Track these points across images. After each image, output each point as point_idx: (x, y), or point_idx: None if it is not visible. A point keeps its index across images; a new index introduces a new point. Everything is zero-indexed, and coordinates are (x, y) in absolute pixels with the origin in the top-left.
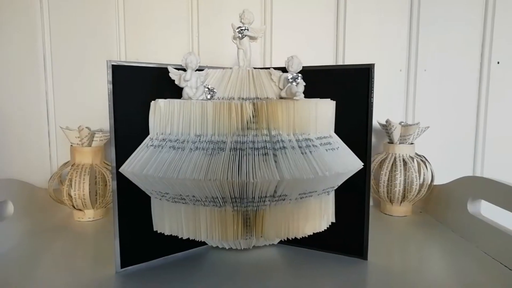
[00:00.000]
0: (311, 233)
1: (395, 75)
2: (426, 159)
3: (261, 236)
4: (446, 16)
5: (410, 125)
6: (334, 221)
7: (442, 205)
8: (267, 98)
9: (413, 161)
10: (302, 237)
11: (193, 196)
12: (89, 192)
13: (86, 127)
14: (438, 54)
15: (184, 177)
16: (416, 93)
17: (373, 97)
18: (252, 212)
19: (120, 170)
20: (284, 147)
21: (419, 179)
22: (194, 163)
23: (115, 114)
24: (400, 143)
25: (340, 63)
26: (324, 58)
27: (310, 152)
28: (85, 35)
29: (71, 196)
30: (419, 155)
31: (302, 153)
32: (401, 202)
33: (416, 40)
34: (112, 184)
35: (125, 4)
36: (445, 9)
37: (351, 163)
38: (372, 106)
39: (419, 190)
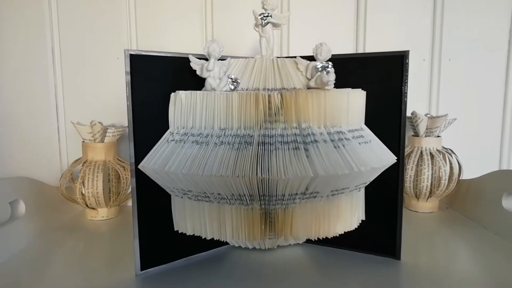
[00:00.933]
0: (342, 232)
1: (418, 65)
2: (454, 153)
3: (290, 236)
4: (471, 4)
5: (437, 117)
6: (364, 218)
7: (472, 201)
8: (295, 88)
9: (440, 154)
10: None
11: (218, 194)
12: (103, 190)
13: (99, 122)
14: (463, 43)
15: (210, 174)
16: (440, 84)
17: (407, 87)
18: (281, 210)
19: (140, 166)
20: (315, 141)
21: (448, 173)
22: (220, 159)
23: (133, 107)
24: (426, 136)
25: (360, 48)
26: (343, 48)
27: (343, 145)
28: (95, 27)
29: (84, 195)
30: (446, 149)
31: (335, 147)
32: (427, 198)
33: (440, 29)
34: (131, 182)
35: None
36: None
37: (386, 157)
38: (406, 97)
39: (448, 185)
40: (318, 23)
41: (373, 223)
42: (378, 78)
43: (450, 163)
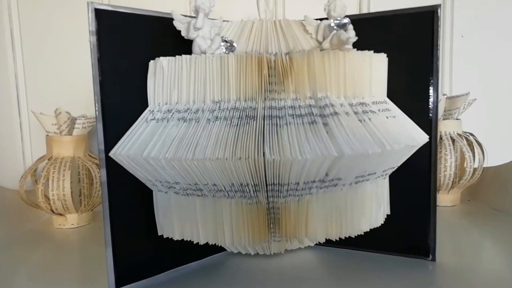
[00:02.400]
0: (368, 230)
1: None
2: (475, 137)
3: (305, 236)
4: None
5: (457, 96)
6: (389, 212)
7: (499, 191)
8: (305, 51)
9: (463, 139)
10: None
11: (214, 185)
12: (71, 192)
13: (66, 112)
14: (477, 16)
15: (203, 157)
16: (452, 62)
17: (439, 50)
18: (294, 203)
19: (111, 154)
20: (335, 113)
21: (473, 160)
22: (215, 138)
23: (102, 78)
24: (444, 119)
25: (364, 10)
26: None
27: (369, 119)
28: (58, 3)
29: (48, 198)
30: (466, 133)
31: (360, 121)
32: (449, 190)
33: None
34: (101, 175)
35: None
36: None
37: (418, 135)
38: (437, 61)
39: (473, 174)
40: None
41: (400, 218)
42: (401, 43)
43: (475, 149)
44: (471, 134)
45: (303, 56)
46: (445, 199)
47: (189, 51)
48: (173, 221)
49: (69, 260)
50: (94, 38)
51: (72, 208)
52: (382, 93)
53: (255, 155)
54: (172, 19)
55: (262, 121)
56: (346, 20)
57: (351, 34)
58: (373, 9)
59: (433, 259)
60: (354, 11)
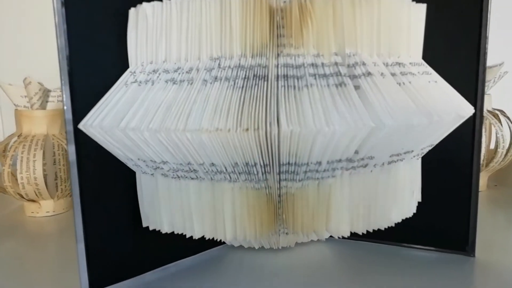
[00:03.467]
0: (400, 220)
1: None
2: (506, 114)
3: (325, 229)
4: None
5: (490, 67)
6: (420, 199)
7: None
8: None
9: (492, 117)
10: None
11: (212, 165)
12: (45, 175)
13: (38, 83)
14: None
15: (199, 127)
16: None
17: (489, 2)
18: (313, 188)
19: (80, 126)
20: (369, 73)
21: (506, 139)
22: (214, 103)
23: (69, 28)
24: None
25: None
26: None
27: (410, 82)
28: None
29: (18, 182)
30: (496, 110)
31: (399, 84)
32: None
33: None
34: (68, 152)
35: None
36: None
37: (465, 104)
38: (487, 21)
39: (505, 156)
40: None
41: (435, 206)
42: None
43: (507, 127)
44: (502, 112)
45: (326, 1)
46: None
47: None
48: (161, 211)
49: (41, 254)
50: None
51: (46, 193)
52: (419, 54)
53: (267, 125)
54: None
55: (276, 82)
56: None
57: None
58: None
59: (472, 254)
60: None
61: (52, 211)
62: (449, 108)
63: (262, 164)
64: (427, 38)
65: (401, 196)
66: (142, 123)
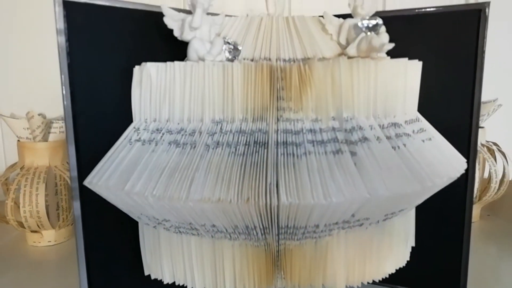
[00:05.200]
0: (394, 271)
1: None
2: (499, 147)
3: (321, 284)
4: None
5: (485, 102)
6: (414, 244)
7: None
8: (324, 59)
9: (486, 150)
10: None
11: (213, 226)
12: (47, 205)
13: (40, 114)
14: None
15: (200, 197)
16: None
17: (484, 56)
18: (311, 246)
19: (86, 183)
20: (365, 139)
21: (498, 173)
22: (215, 171)
23: (73, 89)
24: None
25: (379, 9)
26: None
27: (404, 145)
28: None
29: (20, 214)
30: (489, 142)
31: (394, 148)
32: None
33: None
34: (74, 207)
35: None
36: None
37: (458, 162)
38: (481, 70)
39: (498, 188)
40: None
41: (427, 250)
42: (436, 46)
43: (500, 160)
44: (495, 144)
45: (326, 65)
46: None
47: (183, 54)
48: (163, 261)
49: (43, 284)
50: (62, 39)
51: (48, 225)
52: (414, 108)
53: (267, 197)
54: (162, 14)
55: (275, 149)
56: (378, 21)
57: (384, 39)
58: (388, 6)
59: None
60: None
61: (54, 240)
62: (442, 170)
63: (261, 227)
64: (423, 84)
65: (395, 248)
66: (146, 189)
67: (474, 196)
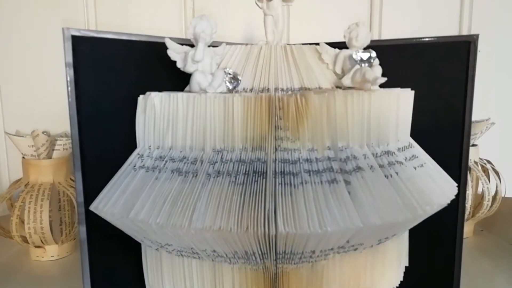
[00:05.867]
0: None
1: None
2: (493, 165)
3: None
4: None
5: (478, 122)
6: (407, 264)
7: None
8: (320, 88)
9: (479, 167)
10: None
11: (213, 251)
12: (51, 221)
13: (44, 132)
14: (497, 29)
15: (202, 226)
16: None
17: (473, 86)
18: (307, 269)
19: (92, 208)
20: (359, 168)
21: (491, 190)
22: (216, 201)
23: (81, 119)
24: None
25: (375, 37)
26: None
27: (396, 173)
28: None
29: (25, 230)
30: (483, 160)
31: (386, 176)
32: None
33: (469, 10)
34: (79, 231)
35: None
36: None
37: (449, 187)
38: (471, 99)
39: (491, 205)
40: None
41: (419, 268)
42: (428, 74)
43: (493, 178)
44: (488, 162)
45: (321, 98)
46: None
47: (184, 83)
48: (165, 281)
49: None
50: (71, 71)
51: (52, 240)
52: (407, 134)
53: (266, 227)
54: (165, 45)
55: (273, 179)
56: (372, 54)
57: (378, 73)
58: (384, 35)
59: None
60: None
61: (57, 255)
62: (433, 197)
63: (260, 253)
64: (415, 111)
65: (389, 268)
66: (150, 217)
67: (468, 212)
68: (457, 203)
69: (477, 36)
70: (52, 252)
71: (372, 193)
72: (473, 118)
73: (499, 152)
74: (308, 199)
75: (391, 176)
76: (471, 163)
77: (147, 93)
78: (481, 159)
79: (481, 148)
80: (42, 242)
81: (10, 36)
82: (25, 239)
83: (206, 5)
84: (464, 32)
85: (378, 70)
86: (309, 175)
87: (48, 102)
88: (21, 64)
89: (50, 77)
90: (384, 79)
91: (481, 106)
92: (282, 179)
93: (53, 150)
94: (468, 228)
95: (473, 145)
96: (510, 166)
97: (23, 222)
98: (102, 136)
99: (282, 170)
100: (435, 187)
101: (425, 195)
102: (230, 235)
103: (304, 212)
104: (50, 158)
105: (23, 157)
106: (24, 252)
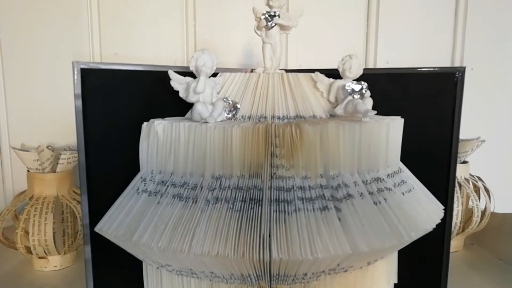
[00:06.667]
0: None
1: None
2: (483, 181)
3: None
4: (498, 4)
5: (468, 140)
6: (396, 281)
7: (506, 241)
8: (315, 117)
9: (470, 184)
10: None
11: (211, 272)
12: (54, 232)
13: (48, 147)
14: (488, 50)
15: (201, 252)
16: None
17: (460, 114)
18: None
19: (97, 229)
20: (349, 195)
21: (480, 207)
22: (215, 227)
23: (87, 144)
24: None
25: (371, 65)
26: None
27: (385, 199)
28: (46, 29)
29: (29, 242)
30: (473, 176)
31: (375, 203)
32: (454, 236)
33: (462, 34)
34: (85, 251)
35: None
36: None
37: (435, 212)
38: (458, 127)
39: (480, 221)
40: (319, 29)
41: (407, 284)
42: (418, 102)
43: (482, 194)
44: (479, 179)
45: (315, 129)
46: None
47: (188, 106)
48: None
49: None
50: (79, 103)
51: (55, 251)
52: (397, 160)
53: (260, 253)
54: (168, 76)
55: (269, 206)
56: (363, 85)
57: (369, 105)
58: (380, 62)
59: None
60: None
61: (60, 265)
62: (420, 222)
63: (255, 275)
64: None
65: (378, 287)
66: (152, 241)
67: (458, 227)
68: (445, 223)
69: (464, 68)
70: (54, 262)
71: (361, 220)
72: (464, 136)
73: (489, 168)
74: (301, 226)
75: (380, 203)
76: (462, 179)
77: (151, 120)
78: (472, 175)
79: (472, 165)
80: (45, 253)
81: (13, 51)
82: (29, 250)
83: (207, 32)
84: (457, 60)
85: (369, 102)
86: (302, 202)
87: (52, 114)
88: (26, 80)
89: (55, 91)
90: (374, 112)
91: (471, 124)
92: (277, 206)
93: (57, 164)
94: (458, 242)
95: (464, 161)
96: (500, 181)
97: (27, 233)
98: (108, 161)
99: (277, 197)
100: (421, 212)
101: (411, 221)
102: (227, 260)
103: (297, 239)
104: (54, 171)
105: (28, 171)
106: (28, 262)
